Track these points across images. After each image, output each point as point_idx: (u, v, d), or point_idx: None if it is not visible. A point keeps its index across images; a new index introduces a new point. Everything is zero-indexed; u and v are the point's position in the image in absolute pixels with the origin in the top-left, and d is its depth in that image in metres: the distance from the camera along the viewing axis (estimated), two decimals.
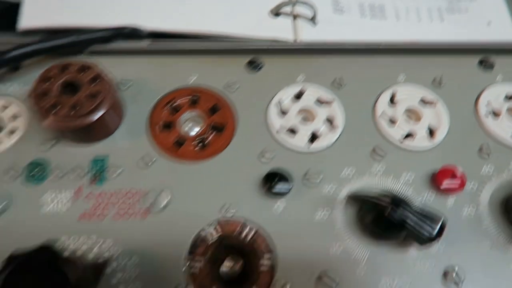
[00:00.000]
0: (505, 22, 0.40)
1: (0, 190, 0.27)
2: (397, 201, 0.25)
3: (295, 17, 0.37)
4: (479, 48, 0.35)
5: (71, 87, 0.27)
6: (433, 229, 0.24)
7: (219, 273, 0.28)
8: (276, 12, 0.37)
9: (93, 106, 0.26)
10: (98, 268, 0.24)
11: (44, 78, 0.27)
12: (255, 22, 0.36)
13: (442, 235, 0.25)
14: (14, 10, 0.36)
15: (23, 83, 0.31)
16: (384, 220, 0.26)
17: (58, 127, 0.27)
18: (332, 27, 0.37)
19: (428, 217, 0.25)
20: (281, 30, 0.36)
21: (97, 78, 0.27)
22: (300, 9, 0.36)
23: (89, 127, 0.27)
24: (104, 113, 0.27)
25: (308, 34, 0.36)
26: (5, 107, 0.30)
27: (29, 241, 0.24)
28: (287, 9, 0.36)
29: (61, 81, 0.27)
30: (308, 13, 0.36)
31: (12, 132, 0.30)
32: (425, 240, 0.25)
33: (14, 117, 0.30)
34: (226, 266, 0.29)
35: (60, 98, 0.26)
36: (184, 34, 0.35)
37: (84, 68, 0.27)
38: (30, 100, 0.27)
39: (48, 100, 0.26)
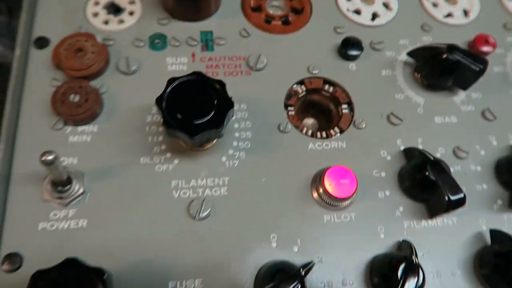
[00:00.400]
0: None
1: (132, 54, 0.33)
2: (452, 46, 0.32)
3: None
4: None
5: None
6: (480, 65, 0.31)
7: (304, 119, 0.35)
8: None
9: None
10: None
11: None
12: None
13: (486, 71, 0.32)
14: None
15: None
16: (439, 65, 0.33)
17: None
18: None
19: (475, 57, 0.32)
20: None
21: None
22: None
23: (202, 1, 0.33)
24: None
25: None
26: None
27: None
28: None
29: None
30: None
31: (131, 13, 0.35)
32: (472, 78, 0.32)
33: (131, 2, 0.36)
34: (309, 123, 0.36)
35: None
36: None
37: None
38: None
39: None
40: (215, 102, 0.28)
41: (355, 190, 0.29)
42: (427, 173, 0.30)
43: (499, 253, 0.29)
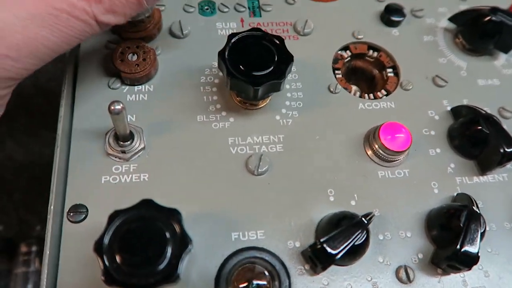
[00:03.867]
0: None
1: (183, 19, 0.33)
2: (495, 8, 0.33)
3: None
4: None
5: None
6: None
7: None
8: None
9: None
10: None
11: None
12: None
13: None
14: None
15: None
16: (482, 28, 0.33)
17: None
18: None
19: None
20: None
21: None
22: None
23: None
24: None
25: None
26: None
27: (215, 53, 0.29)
28: None
29: None
30: None
31: None
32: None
33: None
34: (354, 88, 0.36)
35: None
36: None
37: None
38: None
39: None
40: (276, 55, 0.28)
41: (411, 143, 0.30)
42: (479, 127, 0.30)
43: None
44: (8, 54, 0.20)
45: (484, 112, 0.30)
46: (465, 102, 0.34)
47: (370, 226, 0.27)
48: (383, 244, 0.28)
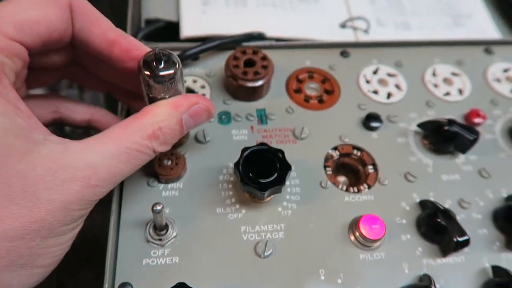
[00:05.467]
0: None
1: (206, 127, 0.43)
2: (451, 120, 0.42)
3: (355, 28, 0.55)
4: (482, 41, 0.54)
5: (249, 63, 0.44)
6: (474, 135, 0.41)
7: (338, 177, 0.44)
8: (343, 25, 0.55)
9: (266, 73, 0.43)
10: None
11: (233, 57, 0.43)
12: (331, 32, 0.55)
13: (478, 140, 0.42)
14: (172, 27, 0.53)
15: (202, 67, 0.48)
16: (442, 135, 0.43)
17: (247, 85, 0.43)
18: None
19: (470, 128, 0.42)
20: (347, 36, 0.54)
21: (265, 57, 0.44)
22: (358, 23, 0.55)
23: (258, 88, 0.44)
24: (269, 77, 0.44)
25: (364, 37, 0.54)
26: (194, 81, 0.46)
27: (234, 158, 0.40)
28: (350, 23, 0.55)
29: (244, 59, 0.43)
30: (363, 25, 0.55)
31: (203, 95, 0.45)
32: (468, 145, 0.42)
33: (202, 87, 0.46)
34: (341, 181, 0.45)
35: (246, 69, 0.43)
36: (288, 38, 0.52)
37: (256, 51, 0.44)
38: (228, 70, 0.44)
39: (239, 69, 0.43)
40: (278, 165, 0.37)
41: (384, 233, 0.38)
42: (438, 220, 0.38)
43: (500, 284, 0.37)
44: (99, 184, 0.29)
45: (442, 208, 0.39)
46: (431, 194, 0.42)
47: None
48: None
